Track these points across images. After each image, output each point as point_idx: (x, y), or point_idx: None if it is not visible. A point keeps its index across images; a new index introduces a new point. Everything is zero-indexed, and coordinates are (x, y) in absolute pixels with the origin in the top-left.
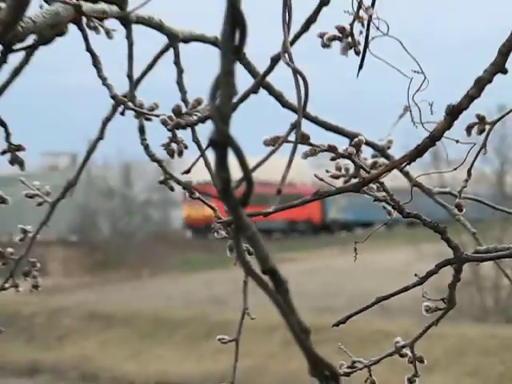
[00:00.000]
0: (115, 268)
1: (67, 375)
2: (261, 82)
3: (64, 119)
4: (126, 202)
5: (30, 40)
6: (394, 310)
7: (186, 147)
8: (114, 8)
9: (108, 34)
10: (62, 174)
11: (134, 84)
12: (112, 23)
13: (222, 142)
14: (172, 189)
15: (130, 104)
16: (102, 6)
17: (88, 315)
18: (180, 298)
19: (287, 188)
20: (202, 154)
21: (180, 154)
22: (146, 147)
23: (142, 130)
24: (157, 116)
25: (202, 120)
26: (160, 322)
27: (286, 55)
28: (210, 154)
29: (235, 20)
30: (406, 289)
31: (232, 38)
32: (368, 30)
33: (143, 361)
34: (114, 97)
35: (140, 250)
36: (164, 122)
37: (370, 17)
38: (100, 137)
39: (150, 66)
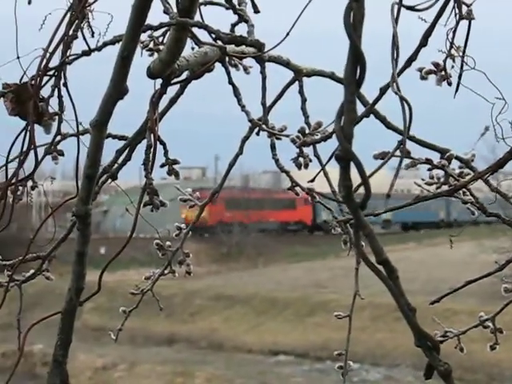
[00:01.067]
0: (236, 259)
1: (198, 344)
2: (371, 109)
3: (197, 139)
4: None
5: (184, 75)
6: (461, 293)
7: (310, 161)
8: (251, 49)
9: (246, 70)
10: (194, 184)
11: (267, 110)
12: (249, 61)
13: (346, 157)
14: (297, 194)
15: (263, 126)
16: (242, 47)
17: (215, 296)
18: (288, 282)
19: (281, 194)
20: (323, 167)
21: (306, 166)
22: (277, 161)
23: (273, 147)
24: (286, 136)
25: (324, 139)
26: (272, 302)
27: (395, 85)
28: (328, 167)
29: (357, 59)
30: (488, 274)
31: (354, 74)
32: (462, 67)
33: (259, 333)
34: (251, 120)
35: (256, 244)
36: (293, 141)
37: (463, 55)
38: (239, 152)
39: (280, 96)
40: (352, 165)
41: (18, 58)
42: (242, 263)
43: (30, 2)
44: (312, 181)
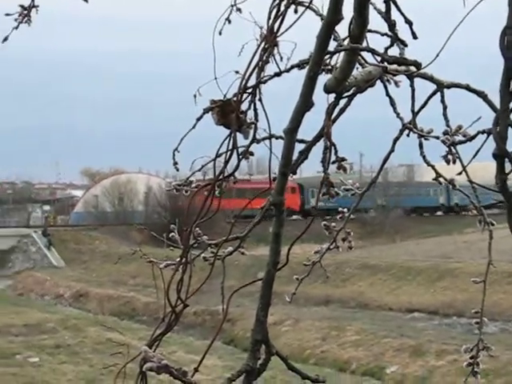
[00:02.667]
0: (378, 235)
1: (348, 304)
2: None
3: (344, 140)
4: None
5: (351, 90)
6: None
7: (458, 157)
8: (403, 67)
9: (396, 84)
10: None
11: (415, 115)
12: (399, 77)
13: (502, 155)
14: (440, 183)
15: (414, 129)
16: (395, 66)
17: (361, 266)
18: (420, 254)
19: (244, 183)
20: (467, 164)
21: (454, 162)
22: (424, 157)
23: (421, 146)
24: (435, 137)
25: (469, 139)
26: (408, 270)
27: None
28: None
29: (509, 75)
30: None
31: (507, 87)
32: None
33: (397, 295)
34: (404, 124)
35: (394, 223)
36: (443, 141)
37: None
38: (392, 150)
39: (425, 104)
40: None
41: (216, 78)
42: (383, 239)
43: (220, 33)
44: (460, 173)
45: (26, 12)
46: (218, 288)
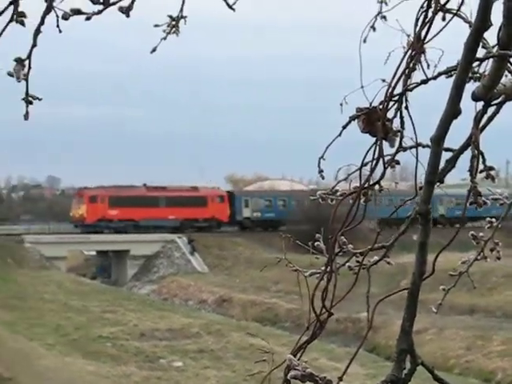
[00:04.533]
0: None
1: (494, 314)
2: None
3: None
4: None
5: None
6: None
7: None
8: None
9: None
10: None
11: None
12: None
13: None
14: None
15: None
16: None
17: (508, 274)
18: None
19: (191, 191)
20: None
21: None
22: None
23: None
24: None
25: None
26: None
27: None
28: None
29: None
30: None
31: None
32: None
33: None
34: None
35: None
36: None
37: None
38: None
39: None
40: None
41: (362, 87)
42: None
43: (365, 41)
44: None
45: (174, 23)
46: (360, 295)
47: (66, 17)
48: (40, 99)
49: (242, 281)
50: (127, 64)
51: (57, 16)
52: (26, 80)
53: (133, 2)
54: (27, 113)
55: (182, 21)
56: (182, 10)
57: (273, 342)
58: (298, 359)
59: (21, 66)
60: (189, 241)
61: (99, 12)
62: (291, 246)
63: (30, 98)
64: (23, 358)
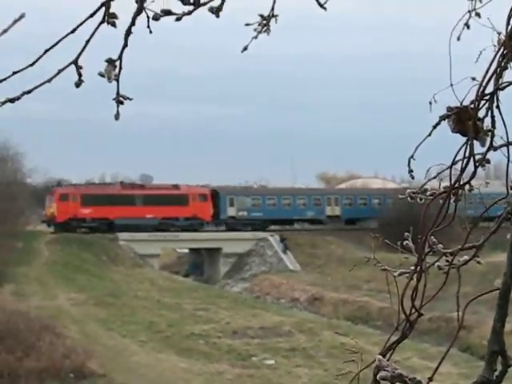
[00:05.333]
0: None
1: None
2: None
3: None
4: None
5: None
6: None
7: None
8: None
9: None
10: None
11: None
12: None
13: None
14: None
15: None
16: None
17: None
18: None
19: (171, 190)
20: None
21: None
22: None
23: None
24: None
25: None
26: None
27: None
28: None
29: None
30: None
31: None
32: None
33: None
34: None
35: None
36: None
37: None
38: None
39: None
40: None
41: (452, 85)
42: None
43: (458, 39)
44: None
45: (265, 22)
46: (453, 294)
47: (156, 17)
48: (131, 99)
49: (334, 279)
50: (230, 64)
51: (147, 17)
52: (117, 80)
53: (223, 3)
54: (118, 113)
55: (272, 20)
56: (273, 8)
57: (364, 340)
58: (388, 359)
59: (112, 66)
60: (281, 239)
61: (189, 13)
62: (384, 244)
63: (121, 98)
64: (117, 355)
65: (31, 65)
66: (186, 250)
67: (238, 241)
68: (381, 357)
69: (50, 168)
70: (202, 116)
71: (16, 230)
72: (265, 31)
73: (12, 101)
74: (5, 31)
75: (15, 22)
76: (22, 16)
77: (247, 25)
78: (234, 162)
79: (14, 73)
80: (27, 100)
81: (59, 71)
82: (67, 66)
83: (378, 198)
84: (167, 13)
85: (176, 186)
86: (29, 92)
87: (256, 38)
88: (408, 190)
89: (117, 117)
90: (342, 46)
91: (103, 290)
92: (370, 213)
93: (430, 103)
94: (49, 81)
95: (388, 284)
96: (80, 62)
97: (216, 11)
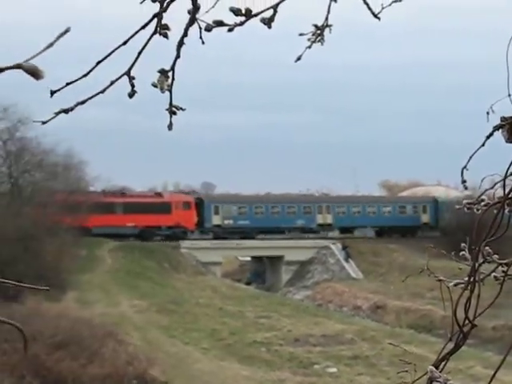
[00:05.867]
0: None
1: None
2: None
3: None
4: None
5: None
6: None
7: None
8: None
9: None
10: None
11: None
12: None
13: None
14: None
15: None
16: None
17: None
18: None
19: (153, 197)
20: None
21: None
22: None
23: None
24: None
25: None
26: None
27: None
28: None
29: None
30: None
31: None
32: None
33: None
34: None
35: None
36: None
37: None
38: None
39: None
40: None
41: (510, 95)
42: None
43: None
44: None
45: (319, 32)
46: None
47: (208, 28)
48: (183, 109)
49: (397, 287)
50: (281, 74)
51: (200, 28)
52: (170, 91)
53: (275, 13)
54: (171, 123)
55: (326, 29)
56: (327, 18)
57: (427, 349)
58: (441, 371)
59: (164, 77)
60: (343, 247)
61: (241, 23)
62: (447, 252)
63: (174, 109)
64: (179, 362)
65: (85, 75)
66: (248, 258)
67: (300, 249)
68: (433, 368)
69: (113, 176)
70: (261, 124)
71: (80, 238)
72: (319, 41)
73: (66, 111)
74: (50, 45)
75: (60, 36)
76: (67, 30)
77: (301, 35)
78: (293, 170)
79: (68, 84)
80: (86, 108)
81: (112, 83)
82: (120, 77)
83: (373, 206)
84: (219, 24)
85: (159, 194)
86: (83, 102)
87: (310, 47)
88: (464, 200)
89: (170, 127)
90: (394, 54)
91: (165, 297)
92: (366, 221)
93: (488, 113)
94: (102, 91)
95: (442, 295)
96: (134, 73)
97: (268, 22)
